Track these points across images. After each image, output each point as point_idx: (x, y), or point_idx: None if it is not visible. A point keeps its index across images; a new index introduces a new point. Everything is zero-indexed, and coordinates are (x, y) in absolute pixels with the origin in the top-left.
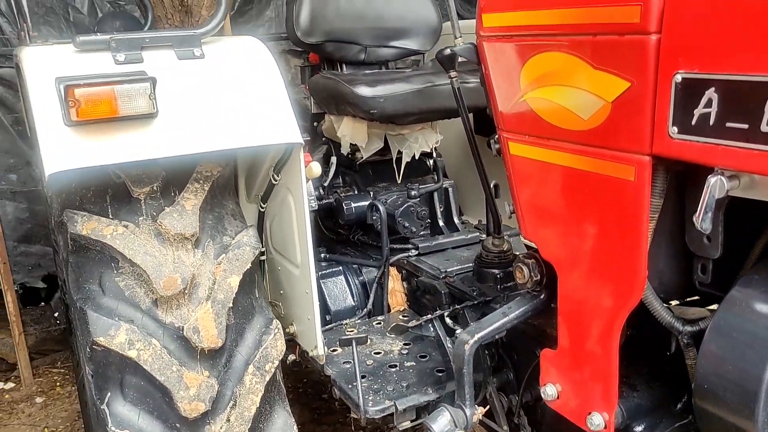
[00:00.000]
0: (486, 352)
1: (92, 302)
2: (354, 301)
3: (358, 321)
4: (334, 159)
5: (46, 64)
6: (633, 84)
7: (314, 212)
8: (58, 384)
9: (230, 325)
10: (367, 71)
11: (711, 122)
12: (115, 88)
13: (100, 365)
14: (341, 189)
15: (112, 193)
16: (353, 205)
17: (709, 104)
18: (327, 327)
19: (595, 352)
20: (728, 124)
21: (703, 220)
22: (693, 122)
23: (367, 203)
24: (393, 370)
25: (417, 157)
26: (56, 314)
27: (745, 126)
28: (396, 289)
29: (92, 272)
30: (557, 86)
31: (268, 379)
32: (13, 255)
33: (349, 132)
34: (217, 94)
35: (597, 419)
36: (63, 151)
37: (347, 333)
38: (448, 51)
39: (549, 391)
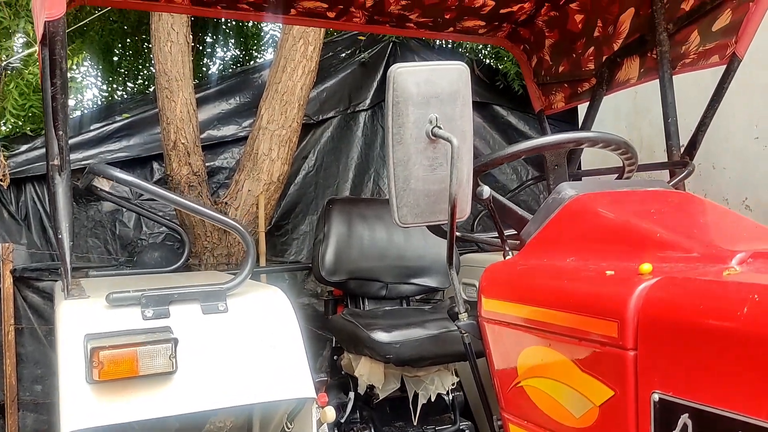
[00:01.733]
0: None
1: None
2: None
3: None
4: (352, 395)
5: (78, 321)
6: (616, 393)
7: None
8: None
9: None
10: (387, 307)
11: None
12: (138, 350)
13: None
14: (358, 425)
15: None
16: None
17: (685, 430)
18: None
19: None
20: None
21: None
22: None
23: None
24: None
25: (433, 399)
26: None
27: None
28: None
29: None
30: (551, 380)
31: None
32: None
33: (366, 372)
34: (236, 349)
35: None
36: (81, 411)
37: None
38: (461, 318)
39: None
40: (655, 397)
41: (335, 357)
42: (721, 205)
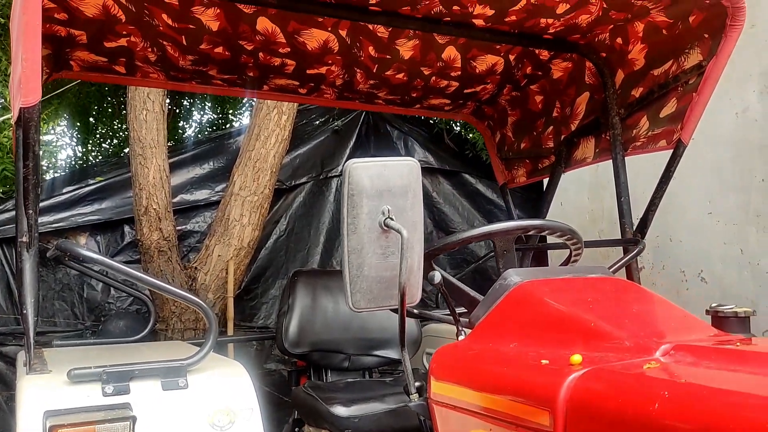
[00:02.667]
0: None
1: None
2: None
3: None
4: None
5: (38, 397)
6: None
7: None
8: None
9: None
10: (349, 379)
11: None
12: (96, 428)
13: None
14: None
15: None
16: None
17: None
18: None
19: None
20: None
21: None
22: None
23: None
24: None
25: None
26: None
27: None
28: None
29: None
30: None
31: None
32: None
33: None
34: (194, 426)
35: None
36: None
37: None
38: (412, 399)
39: None
40: None
41: (296, 429)
42: (654, 293)
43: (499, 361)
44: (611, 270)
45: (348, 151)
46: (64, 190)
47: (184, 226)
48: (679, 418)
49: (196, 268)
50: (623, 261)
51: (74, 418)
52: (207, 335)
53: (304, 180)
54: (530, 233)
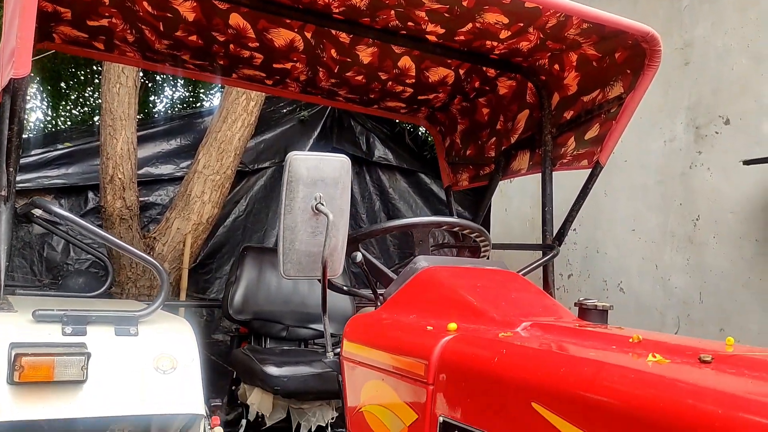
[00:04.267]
0: None
1: None
2: None
3: None
4: (243, 422)
5: (5, 331)
6: (419, 416)
7: None
8: None
9: None
10: (285, 347)
11: None
12: (55, 359)
13: None
14: None
15: None
16: None
17: None
18: None
19: None
20: None
21: None
22: None
23: None
24: None
25: (313, 430)
26: None
27: None
28: None
29: None
30: (380, 406)
31: None
32: None
33: (257, 401)
34: (140, 368)
35: None
36: (1, 406)
37: None
38: (328, 356)
39: None
40: (441, 419)
41: (234, 387)
42: (535, 286)
43: (397, 328)
44: (525, 270)
45: (312, 141)
46: (33, 152)
47: (146, 198)
48: (510, 370)
49: (155, 238)
50: (537, 263)
51: (36, 349)
52: (158, 292)
53: (266, 165)
54: (442, 228)
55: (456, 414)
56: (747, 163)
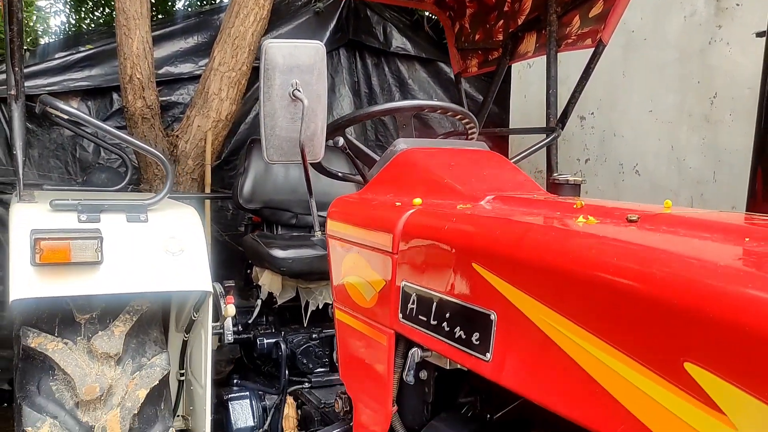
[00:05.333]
0: None
1: (28, 400)
2: (254, 421)
3: None
4: (258, 302)
5: (26, 220)
6: (386, 282)
7: (237, 344)
8: None
9: (133, 428)
10: (294, 233)
11: (414, 315)
12: (71, 243)
13: None
14: (261, 327)
15: (61, 316)
16: (265, 341)
17: (413, 302)
18: None
19: None
20: (420, 317)
21: (407, 375)
22: (407, 313)
23: (275, 341)
24: None
25: (321, 307)
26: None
27: (425, 319)
28: (290, 414)
29: (33, 376)
30: (357, 276)
31: None
32: None
33: (268, 282)
34: (151, 250)
35: None
36: (25, 284)
37: None
38: (316, 236)
39: None
40: (402, 284)
41: (248, 271)
42: (511, 163)
43: (372, 206)
44: (525, 152)
45: (328, 33)
46: (57, 56)
47: (168, 98)
48: (456, 236)
49: (177, 136)
50: (537, 146)
51: (54, 234)
52: (165, 182)
53: None
54: (424, 111)
55: (413, 279)
56: (759, 35)
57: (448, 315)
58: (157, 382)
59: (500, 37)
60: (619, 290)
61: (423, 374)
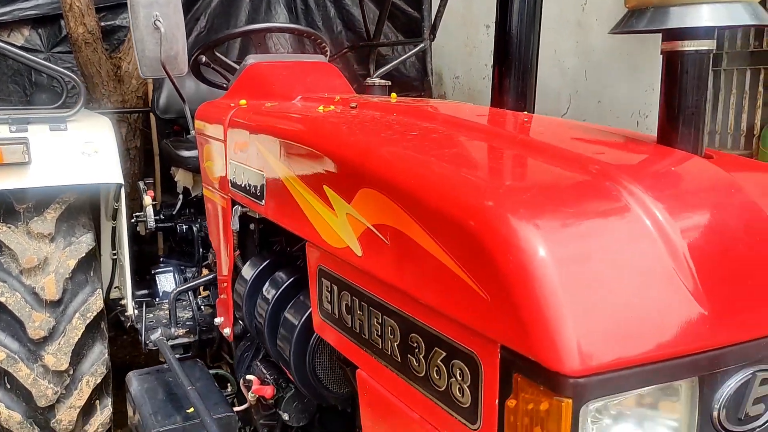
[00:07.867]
0: None
1: None
2: (175, 286)
3: None
4: (180, 196)
5: None
6: (222, 162)
7: (159, 230)
8: None
9: (66, 289)
10: None
11: (236, 183)
12: (2, 147)
13: None
14: (183, 216)
15: (5, 207)
16: (184, 227)
17: (234, 174)
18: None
19: None
20: (238, 183)
21: (234, 225)
22: (233, 182)
23: (189, 226)
24: None
25: None
26: None
27: (241, 184)
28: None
29: None
30: (210, 161)
31: (88, 322)
32: None
33: (182, 178)
34: (71, 152)
35: None
36: None
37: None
38: (191, 134)
39: None
40: (229, 162)
41: (171, 170)
42: (338, 71)
43: (221, 108)
44: (393, 64)
45: None
46: None
47: (112, 22)
48: (251, 124)
49: (120, 58)
50: (405, 56)
51: None
52: (78, 97)
53: None
54: (274, 32)
55: (233, 156)
56: None
57: (248, 179)
58: (84, 254)
59: None
60: (309, 148)
61: (252, 226)
